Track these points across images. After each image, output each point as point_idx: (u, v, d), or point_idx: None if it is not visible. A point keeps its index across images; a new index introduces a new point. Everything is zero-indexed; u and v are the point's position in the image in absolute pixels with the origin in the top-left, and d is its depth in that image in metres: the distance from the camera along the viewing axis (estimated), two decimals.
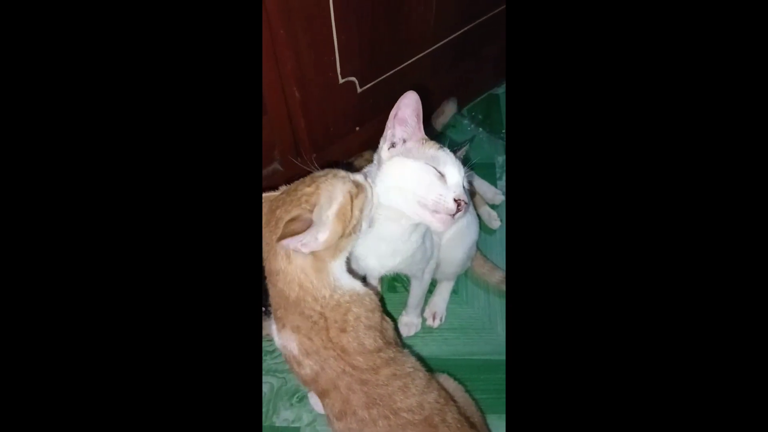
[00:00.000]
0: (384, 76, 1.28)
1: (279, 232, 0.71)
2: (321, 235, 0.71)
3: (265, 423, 1.10)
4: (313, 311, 0.73)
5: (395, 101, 0.81)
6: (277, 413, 1.11)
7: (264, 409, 1.11)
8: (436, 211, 0.76)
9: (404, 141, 0.82)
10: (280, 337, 0.76)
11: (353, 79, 1.21)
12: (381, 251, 0.85)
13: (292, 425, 1.09)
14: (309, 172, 1.19)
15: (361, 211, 0.75)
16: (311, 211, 0.70)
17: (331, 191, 0.73)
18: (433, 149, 0.80)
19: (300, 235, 0.68)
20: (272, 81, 1.08)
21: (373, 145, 0.86)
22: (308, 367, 0.74)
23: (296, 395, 1.13)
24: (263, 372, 1.17)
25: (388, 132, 0.82)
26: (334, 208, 0.72)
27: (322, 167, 1.25)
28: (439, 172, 0.77)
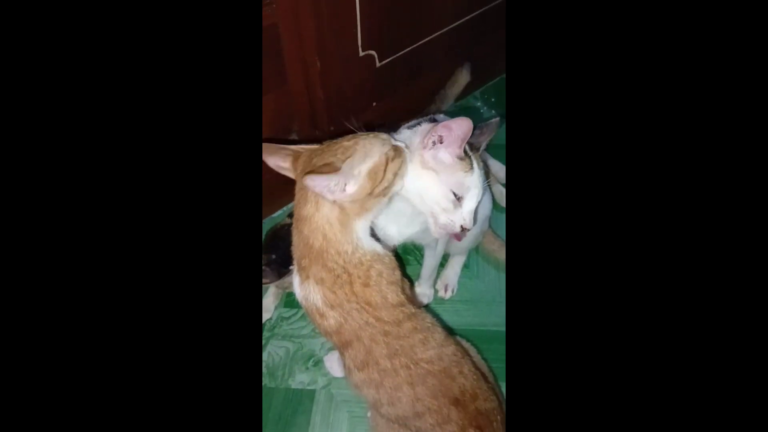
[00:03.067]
0: (402, 52, 1.30)
1: None
2: (349, 187, 0.74)
3: (281, 386, 1.13)
4: (336, 264, 0.75)
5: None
6: (293, 376, 1.14)
7: (280, 373, 1.15)
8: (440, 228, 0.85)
9: (438, 154, 0.81)
10: (303, 288, 0.78)
11: (373, 52, 1.23)
12: (400, 221, 0.93)
13: (308, 388, 1.12)
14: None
15: (395, 174, 0.77)
16: (343, 162, 0.72)
17: (368, 149, 0.75)
18: (462, 172, 0.81)
19: (324, 176, 0.70)
20: (293, 50, 1.10)
21: (388, 120, 0.89)
22: (332, 318, 0.76)
23: (312, 359, 1.16)
24: (280, 338, 1.20)
25: (430, 136, 0.79)
26: (368, 164, 0.75)
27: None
28: (458, 197, 0.82)
